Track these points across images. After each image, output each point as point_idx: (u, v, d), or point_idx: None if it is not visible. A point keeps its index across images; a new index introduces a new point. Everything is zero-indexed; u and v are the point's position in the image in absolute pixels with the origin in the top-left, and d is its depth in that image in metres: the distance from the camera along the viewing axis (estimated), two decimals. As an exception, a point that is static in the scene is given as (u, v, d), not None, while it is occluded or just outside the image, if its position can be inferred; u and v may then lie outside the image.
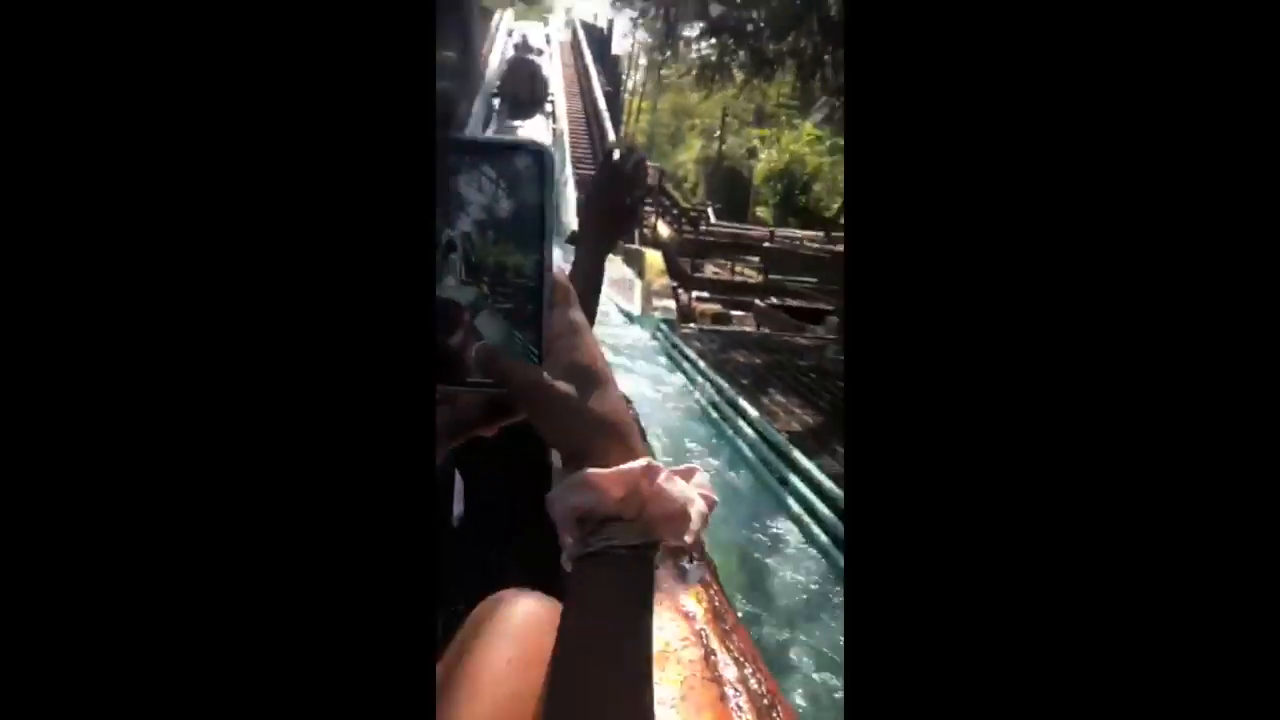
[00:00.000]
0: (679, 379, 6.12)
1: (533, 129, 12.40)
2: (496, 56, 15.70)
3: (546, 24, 16.67)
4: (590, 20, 22.65)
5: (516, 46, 14.99)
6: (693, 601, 1.01)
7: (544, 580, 0.77)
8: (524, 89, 13.35)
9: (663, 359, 6.70)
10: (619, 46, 24.89)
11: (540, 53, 15.16)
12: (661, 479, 0.44)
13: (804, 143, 15.83)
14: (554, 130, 12.67)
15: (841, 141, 16.27)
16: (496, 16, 17.78)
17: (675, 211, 11.73)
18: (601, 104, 13.22)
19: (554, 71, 15.03)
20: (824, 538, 3.65)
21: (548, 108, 13.34)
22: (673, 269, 9.48)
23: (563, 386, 0.46)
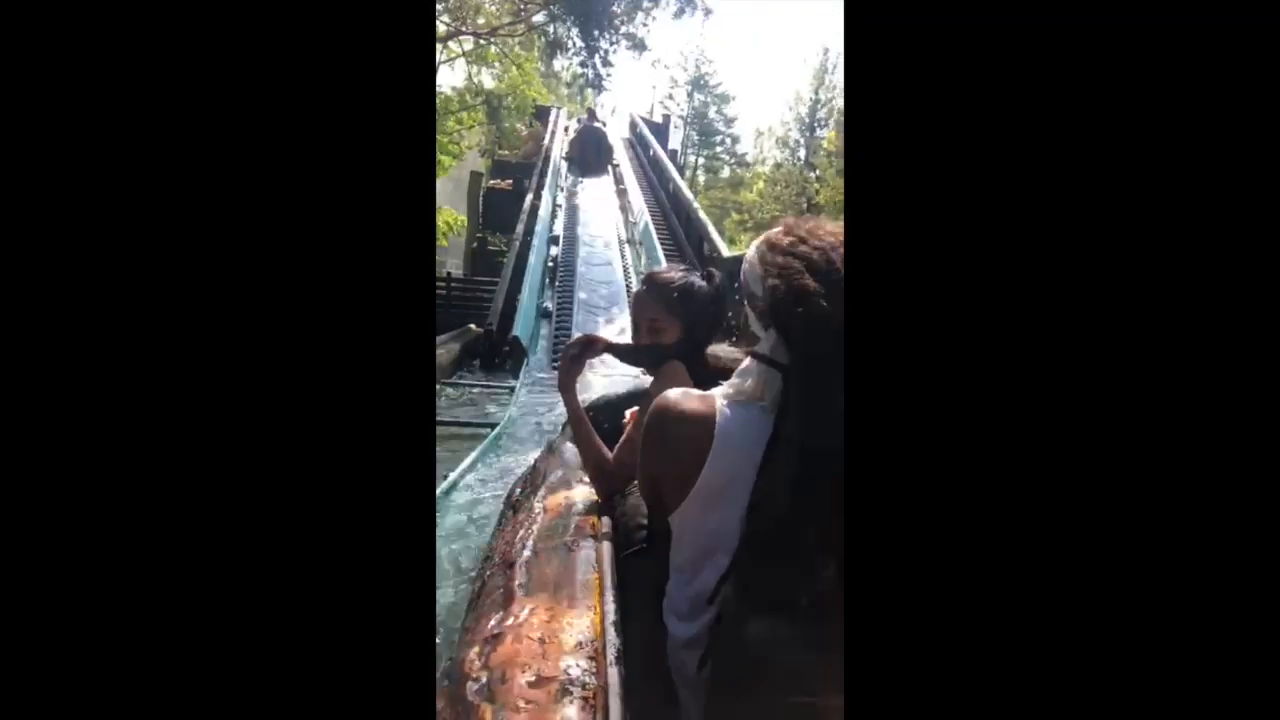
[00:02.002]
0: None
1: (600, 187, 12.99)
2: (556, 146, 14.92)
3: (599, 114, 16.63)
4: (645, 114, 21.88)
5: (581, 119, 15.89)
6: None
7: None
8: (591, 152, 14.62)
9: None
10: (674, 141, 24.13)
11: (605, 123, 16.32)
12: None
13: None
14: (619, 190, 12.90)
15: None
16: (553, 113, 17.64)
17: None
18: (686, 191, 11.41)
19: (617, 142, 16.04)
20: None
21: (611, 170, 14.30)
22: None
23: None
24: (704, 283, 1.43)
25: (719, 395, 0.90)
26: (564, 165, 14.58)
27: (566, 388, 1.42)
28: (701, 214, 10.10)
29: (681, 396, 0.92)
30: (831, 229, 0.89)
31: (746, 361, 0.89)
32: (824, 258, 0.85)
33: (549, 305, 8.61)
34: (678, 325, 1.40)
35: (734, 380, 0.90)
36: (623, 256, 10.42)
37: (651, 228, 10.52)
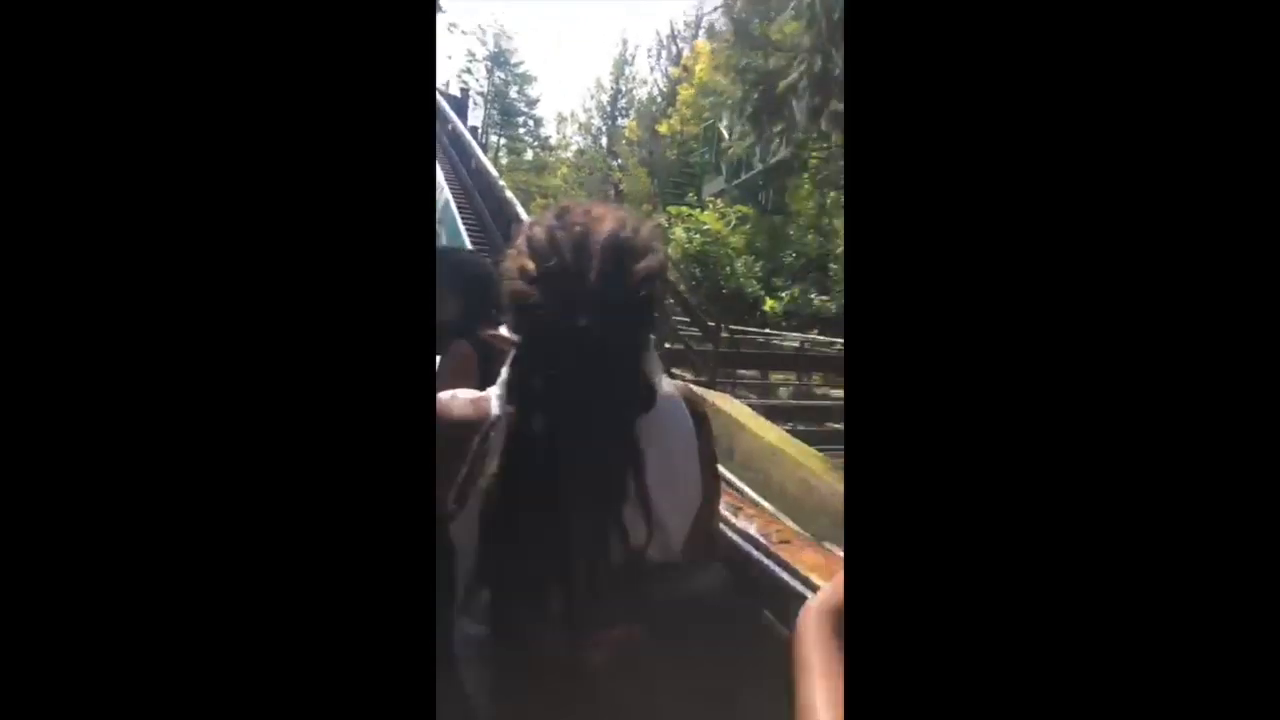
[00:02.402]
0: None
1: None
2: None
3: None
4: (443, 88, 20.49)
5: None
6: None
7: None
8: None
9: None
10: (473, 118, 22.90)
11: None
12: None
13: (721, 220, 14.00)
14: None
15: (749, 211, 14.72)
16: None
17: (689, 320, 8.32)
18: (490, 169, 10.58)
19: None
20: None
21: None
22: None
23: None
24: (476, 260, 1.47)
25: (493, 394, 0.87)
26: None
27: None
28: (509, 193, 9.36)
29: (450, 401, 0.88)
30: (592, 212, 0.85)
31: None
32: (548, 237, 0.82)
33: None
34: (452, 302, 1.40)
35: (502, 372, 0.90)
36: (421, 236, 9.41)
37: (453, 205, 9.58)
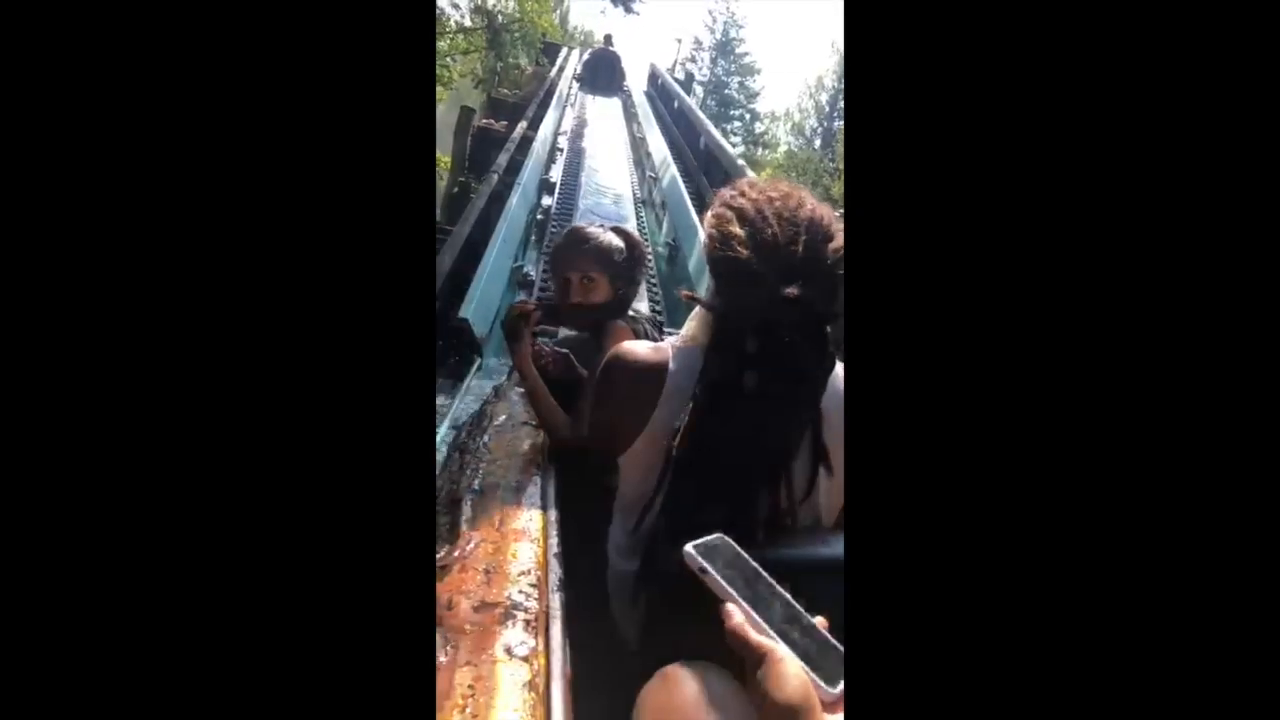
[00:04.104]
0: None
1: (612, 124, 11.91)
2: (563, 84, 12.46)
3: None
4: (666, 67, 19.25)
5: (595, 45, 15.64)
6: None
7: None
8: (604, 73, 14.34)
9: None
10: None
11: (620, 55, 15.97)
12: None
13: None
14: (636, 140, 10.90)
15: None
16: (562, 53, 15.94)
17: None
18: (726, 148, 8.89)
19: (637, 92, 14.82)
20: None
21: (622, 100, 13.76)
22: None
23: None
24: (621, 240, 1.49)
25: (669, 344, 0.98)
26: (572, 96, 12.70)
27: (520, 366, 1.40)
28: (750, 173, 7.58)
29: (636, 345, 1.01)
30: (783, 189, 0.93)
31: (696, 308, 0.97)
32: (755, 209, 0.90)
33: (529, 270, 6.02)
34: (606, 281, 1.46)
35: (685, 325, 0.99)
36: (639, 218, 7.90)
37: (680, 182, 7.98)
